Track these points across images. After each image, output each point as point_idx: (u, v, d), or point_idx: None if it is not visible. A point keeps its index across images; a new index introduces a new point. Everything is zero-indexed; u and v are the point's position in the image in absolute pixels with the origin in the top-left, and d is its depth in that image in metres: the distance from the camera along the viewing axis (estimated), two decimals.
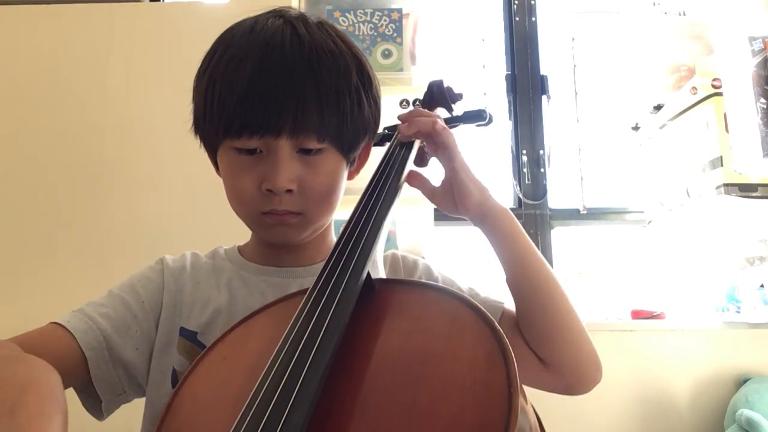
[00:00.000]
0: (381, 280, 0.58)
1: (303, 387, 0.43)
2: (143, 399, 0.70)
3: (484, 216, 0.70)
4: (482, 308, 0.50)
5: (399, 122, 0.75)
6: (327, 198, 0.68)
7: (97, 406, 0.67)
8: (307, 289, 0.54)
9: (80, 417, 0.68)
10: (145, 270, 0.74)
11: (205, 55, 0.69)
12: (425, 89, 0.86)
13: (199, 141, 0.71)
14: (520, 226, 0.71)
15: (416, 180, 0.73)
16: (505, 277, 0.70)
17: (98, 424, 0.70)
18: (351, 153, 0.70)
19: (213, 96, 0.64)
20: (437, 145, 0.70)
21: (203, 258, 0.77)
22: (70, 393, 0.66)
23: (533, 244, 0.70)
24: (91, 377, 0.64)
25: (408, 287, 0.59)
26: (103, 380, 0.65)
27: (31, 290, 1.69)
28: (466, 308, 0.50)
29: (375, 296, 0.55)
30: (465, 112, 0.84)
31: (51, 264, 1.73)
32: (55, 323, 0.65)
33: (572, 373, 0.67)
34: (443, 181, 0.71)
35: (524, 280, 0.68)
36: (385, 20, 1.95)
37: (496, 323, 0.47)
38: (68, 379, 0.63)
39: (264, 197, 0.64)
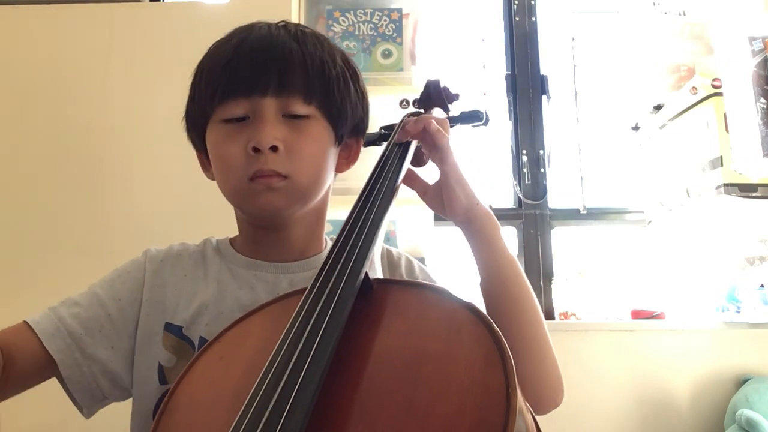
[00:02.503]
0: (378, 280, 0.58)
1: (302, 388, 0.43)
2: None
3: (468, 221, 0.70)
4: (479, 309, 0.50)
5: (395, 122, 0.76)
6: (314, 163, 0.67)
7: (79, 405, 0.67)
8: (304, 289, 0.54)
9: (79, 416, 0.68)
10: (128, 264, 0.73)
11: None
12: (422, 89, 0.86)
13: (188, 139, 0.74)
14: (501, 234, 0.70)
15: (408, 178, 0.73)
16: (479, 281, 0.69)
17: (96, 423, 0.70)
18: (339, 126, 0.70)
19: (201, 76, 0.67)
20: (430, 146, 0.70)
21: (191, 247, 0.76)
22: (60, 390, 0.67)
23: (512, 255, 0.69)
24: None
25: (405, 287, 0.59)
26: (76, 382, 0.65)
27: (31, 290, 1.68)
28: (464, 309, 0.50)
29: (373, 296, 0.55)
30: (462, 113, 0.84)
31: (51, 264, 1.73)
32: (26, 323, 0.65)
33: (534, 393, 0.62)
34: (435, 183, 0.72)
35: (498, 285, 0.67)
36: (385, 20, 1.95)
37: (494, 324, 0.47)
38: (39, 380, 0.65)
39: (251, 159, 0.64)
